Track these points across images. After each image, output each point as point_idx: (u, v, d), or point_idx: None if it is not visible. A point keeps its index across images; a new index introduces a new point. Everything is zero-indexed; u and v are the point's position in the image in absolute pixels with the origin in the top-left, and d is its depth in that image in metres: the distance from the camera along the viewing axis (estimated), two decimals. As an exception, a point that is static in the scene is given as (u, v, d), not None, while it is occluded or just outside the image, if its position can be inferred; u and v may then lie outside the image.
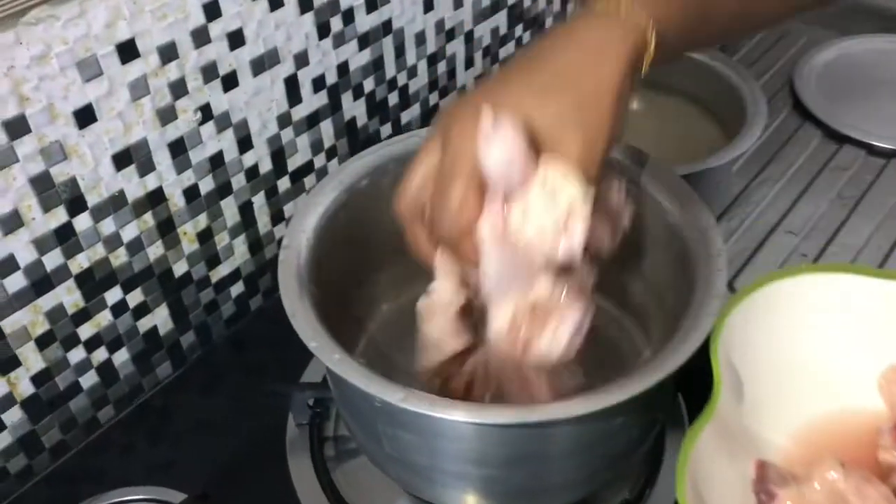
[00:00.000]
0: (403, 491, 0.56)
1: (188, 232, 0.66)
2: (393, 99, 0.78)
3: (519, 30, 0.89)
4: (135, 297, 0.64)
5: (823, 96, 0.94)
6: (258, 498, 0.58)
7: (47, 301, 0.58)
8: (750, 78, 0.81)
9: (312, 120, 0.71)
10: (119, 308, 0.64)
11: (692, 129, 0.84)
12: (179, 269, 0.67)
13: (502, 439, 0.44)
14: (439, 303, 0.49)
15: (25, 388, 0.60)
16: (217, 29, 0.60)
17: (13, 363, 0.58)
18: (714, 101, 0.84)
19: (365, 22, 0.71)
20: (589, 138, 0.41)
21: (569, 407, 0.41)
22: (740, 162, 0.87)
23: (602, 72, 0.42)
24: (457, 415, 0.41)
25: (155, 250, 0.64)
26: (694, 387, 0.54)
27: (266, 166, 0.69)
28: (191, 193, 0.64)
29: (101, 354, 0.64)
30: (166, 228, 0.64)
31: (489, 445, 0.45)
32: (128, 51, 0.55)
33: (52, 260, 0.57)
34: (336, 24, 0.68)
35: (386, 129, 0.79)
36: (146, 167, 0.60)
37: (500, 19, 0.86)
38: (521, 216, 0.41)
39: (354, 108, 0.74)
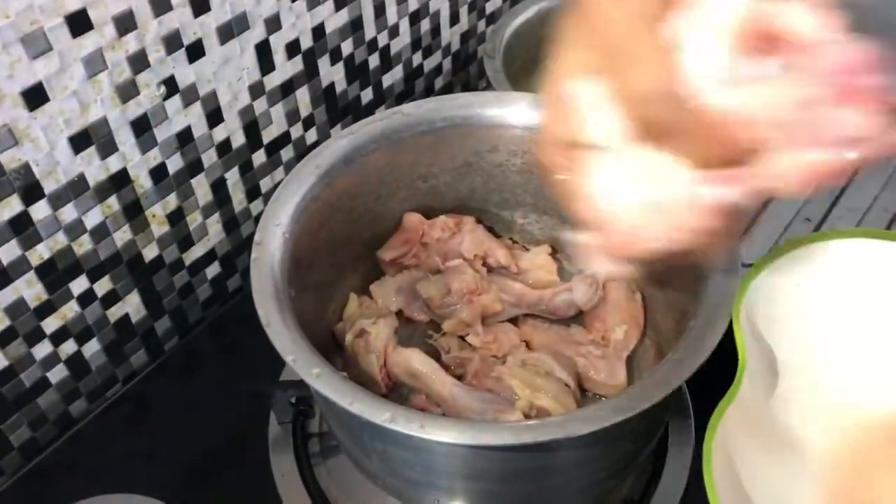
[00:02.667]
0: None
1: (157, 214, 0.61)
2: (374, 61, 0.73)
3: (506, -19, 0.84)
4: (103, 286, 0.60)
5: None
6: (239, 499, 0.55)
7: (5, 296, 0.54)
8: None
9: (287, 88, 0.66)
10: (86, 298, 0.59)
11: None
12: (150, 253, 0.62)
13: (498, 458, 0.41)
14: (374, 344, 0.49)
15: (-12, 388, 0.56)
16: (178, -6, 0.54)
17: (-28, 363, 0.54)
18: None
19: (341, -21, 0.65)
20: None
21: (570, 426, 0.38)
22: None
23: None
24: (448, 436, 0.37)
25: (122, 235, 0.60)
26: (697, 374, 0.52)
27: (239, 140, 0.64)
28: (158, 173, 0.60)
29: (69, 347, 0.60)
30: (133, 212, 0.59)
31: (485, 463, 0.41)
32: (79, 22, 0.50)
33: (8, 252, 0.53)
34: (310, -17, 0.63)
35: (367, 93, 0.74)
36: (107, 148, 0.55)
37: (487, -30, 0.80)
38: None
39: (332, 74, 0.69)
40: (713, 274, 0.43)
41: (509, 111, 0.52)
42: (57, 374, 0.60)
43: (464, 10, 0.80)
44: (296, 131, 0.69)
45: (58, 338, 0.59)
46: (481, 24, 0.84)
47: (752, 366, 0.45)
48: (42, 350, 0.58)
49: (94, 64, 0.52)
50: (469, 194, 0.57)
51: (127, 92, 0.55)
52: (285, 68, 0.65)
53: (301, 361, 0.40)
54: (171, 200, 0.62)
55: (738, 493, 0.42)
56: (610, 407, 0.38)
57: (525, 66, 0.80)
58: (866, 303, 0.49)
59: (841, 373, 0.49)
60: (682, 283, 0.47)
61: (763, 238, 0.73)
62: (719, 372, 0.57)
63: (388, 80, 0.76)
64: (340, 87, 0.71)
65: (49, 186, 0.53)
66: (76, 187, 0.55)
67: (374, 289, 0.56)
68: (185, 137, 0.60)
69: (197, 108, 0.60)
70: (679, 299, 0.48)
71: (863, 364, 0.49)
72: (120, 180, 0.57)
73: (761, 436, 0.46)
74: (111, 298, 0.61)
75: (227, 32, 0.59)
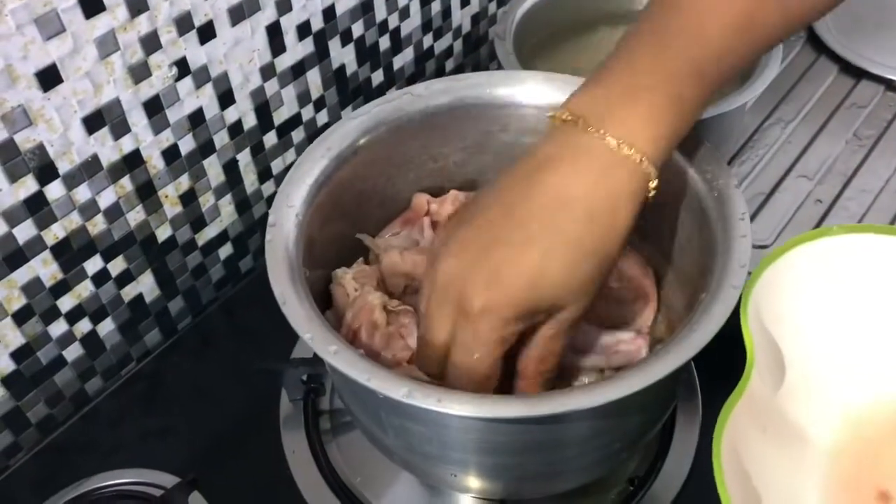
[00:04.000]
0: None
1: (170, 195, 0.62)
2: (384, 43, 0.73)
3: (517, -38, 0.83)
4: (117, 266, 0.61)
5: (840, 28, 0.89)
6: (251, 476, 0.56)
7: (22, 275, 0.55)
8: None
9: (298, 70, 0.66)
10: (100, 277, 0.60)
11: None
12: (163, 233, 0.63)
13: (514, 431, 0.41)
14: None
15: (5, 365, 0.57)
16: (190, -25, 0.55)
17: (-10, 341, 0.55)
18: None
19: (352, -40, 0.65)
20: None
21: (583, 398, 0.38)
22: (752, 100, 0.82)
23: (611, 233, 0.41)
24: (466, 410, 0.38)
25: (135, 216, 0.60)
26: (705, 354, 0.52)
27: (250, 122, 0.65)
28: (170, 154, 0.60)
29: (84, 326, 0.61)
30: (146, 192, 0.60)
31: (500, 436, 0.42)
32: (92, 4, 0.50)
33: (24, 232, 0.54)
34: (320, -36, 0.63)
35: (377, 75, 0.74)
36: (120, 129, 0.56)
37: (498, -49, 0.80)
38: None
39: (343, 55, 0.70)
40: (724, 249, 0.44)
41: (519, 90, 0.52)
42: (73, 352, 0.61)
43: (475, -9, 0.80)
44: (307, 113, 0.69)
45: (73, 317, 0.60)
46: (492, 6, 0.84)
47: (759, 359, 0.45)
48: (58, 329, 0.59)
49: (107, 45, 0.52)
50: (479, 174, 0.57)
51: (139, 73, 0.55)
52: (296, 50, 0.65)
53: (318, 339, 0.41)
54: (184, 181, 0.62)
55: (745, 485, 0.42)
56: (624, 378, 0.38)
57: (536, 47, 0.79)
58: (872, 296, 0.50)
59: (847, 365, 0.49)
60: (693, 259, 0.47)
61: (775, 219, 0.73)
62: (726, 357, 0.57)
63: (398, 61, 0.76)
64: (351, 68, 0.71)
65: (63, 167, 0.54)
66: (90, 168, 0.55)
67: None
68: (196, 119, 0.61)
69: (208, 89, 0.60)
70: (691, 275, 0.48)
71: (869, 356, 0.49)
72: (133, 161, 0.58)
73: (769, 429, 0.46)
74: (125, 278, 0.62)
75: (238, 14, 0.59)
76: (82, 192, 0.56)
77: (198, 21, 0.57)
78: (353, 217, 0.53)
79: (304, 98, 0.68)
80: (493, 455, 0.44)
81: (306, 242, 0.46)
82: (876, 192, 0.75)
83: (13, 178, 0.51)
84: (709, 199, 0.46)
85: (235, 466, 0.57)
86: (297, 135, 0.69)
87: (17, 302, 0.55)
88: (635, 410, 0.43)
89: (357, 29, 0.69)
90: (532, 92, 0.52)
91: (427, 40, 0.78)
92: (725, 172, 0.46)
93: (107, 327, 0.63)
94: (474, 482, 0.46)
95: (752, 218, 0.74)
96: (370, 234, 0.55)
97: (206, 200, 0.65)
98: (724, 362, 0.58)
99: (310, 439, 0.55)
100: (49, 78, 0.50)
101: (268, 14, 0.61)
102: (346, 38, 0.69)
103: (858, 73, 0.85)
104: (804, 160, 0.78)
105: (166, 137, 0.59)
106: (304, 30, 0.65)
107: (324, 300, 0.52)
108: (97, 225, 0.58)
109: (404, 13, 0.73)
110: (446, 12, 0.78)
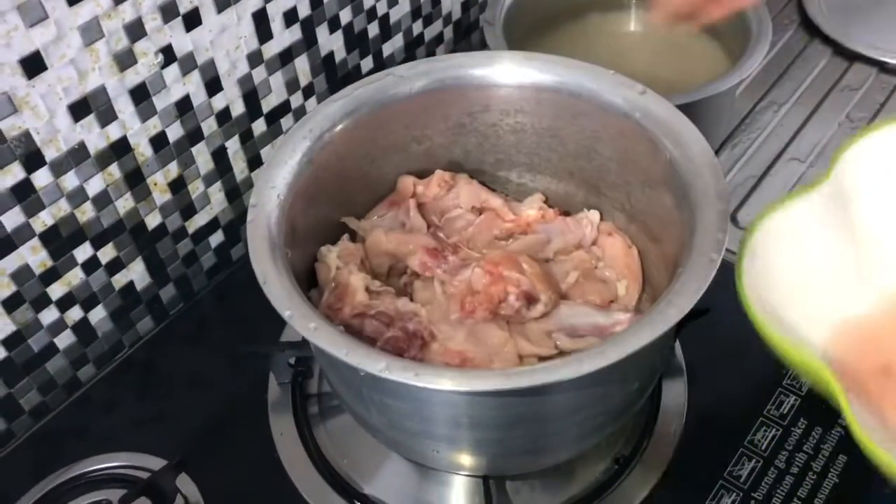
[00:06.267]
0: (388, 449, 0.54)
1: (159, 182, 0.62)
2: (373, 30, 0.73)
3: (507, -52, 0.83)
4: (106, 253, 0.61)
5: (832, 11, 0.89)
6: (239, 459, 0.56)
7: (10, 262, 0.55)
8: (754, -6, 0.75)
9: (286, 57, 0.66)
10: (91, 265, 0.61)
11: (693, 52, 0.79)
12: (152, 221, 0.63)
13: (494, 404, 0.41)
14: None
15: (-3, 353, 0.57)
16: (173, -38, 0.55)
17: (-20, 328, 0.56)
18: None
19: (338, -53, 0.65)
20: None
21: (562, 370, 0.38)
22: (745, 83, 0.82)
23: None
24: (442, 383, 0.38)
25: (124, 203, 0.61)
26: (691, 331, 0.52)
27: (238, 109, 0.65)
28: (158, 142, 0.61)
29: (75, 313, 0.61)
30: (135, 180, 0.60)
31: (481, 410, 0.42)
32: (75, -9, 0.50)
33: (12, 219, 0.54)
34: (306, -50, 0.63)
35: (367, 62, 0.74)
36: (107, 116, 0.56)
37: (487, -62, 0.80)
38: None
39: (331, 42, 0.70)
40: (702, 223, 0.44)
41: (497, 70, 0.52)
42: (64, 339, 0.61)
43: (464, -21, 0.80)
44: (296, 100, 0.69)
45: (64, 304, 0.60)
46: (481, -7, 0.84)
47: None
48: (49, 316, 0.59)
49: (91, 32, 0.53)
50: (464, 156, 0.57)
51: (124, 60, 0.55)
52: (283, 37, 0.65)
53: (298, 316, 0.41)
54: (173, 169, 0.63)
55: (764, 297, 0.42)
56: (602, 351, 0.38)
57: (526, 34, 0.79)
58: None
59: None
60: (674, 236, 0.48)
61: (766, 202, 0.73)
62: (712, 339, 0.57)
63: (388, 48, 0.76)
64: (340, 55, 0.71)
65: (50, 154, 0.54)
66: (77, 155, 0.56)
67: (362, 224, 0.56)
68: (184, 106, 0.61)
69: (195, 76, 0.60)
70: (672, 252, 0.48)
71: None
72: (120, 148, 0.58)
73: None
74: (116, 266, 0.62)
75: (224, 1, 0.59)
76: (70, 180, 0.56)
77: (183, 8, 0.57)
78: (338, 199, 0.54)
79: (292, 85, 0.68)
80: (474, 430, 0.44)
81: (288, 223, 0.47)
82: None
83: None
84: (688, 175, 0.46)
85: (224, 450, 0.57)
86: (287, 122, 0.70)
87: (7, 289, 0.56)
88: (616, 383, 0.44)
89: (345, 16, 0.69)
90: (510, 71, 0.52)
91: (417, 27, 0.78)
92: (705, 149, 0.46)
93: (98, 315, 0.63)
94: (457, 458, 0.46)
95: (744, 200, 0.74)
96: (356, 217, 0.56)
97: (196, 188, 0.65)
98: (709, 345, 0.58)
99: (297, 422, 0.55)
100: (33, 65, 0.51)
101: (254, 1, 0.61)
102: (334, 24, 0.69)
103: (851, 56, 0.85)
104: (796, 143, 0.78)
105: (154, 125, 0.60)
106: (291, 16, 0.65)
107: (310, 280, 0.52)
108: (86, 212, 0.58)
109: (392, 0, 0.73)
110: (435, -1, 0.78)
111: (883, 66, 0.83)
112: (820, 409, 0.55)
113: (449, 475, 0.53)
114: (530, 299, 0.49)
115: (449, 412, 0.43)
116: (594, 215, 0.55)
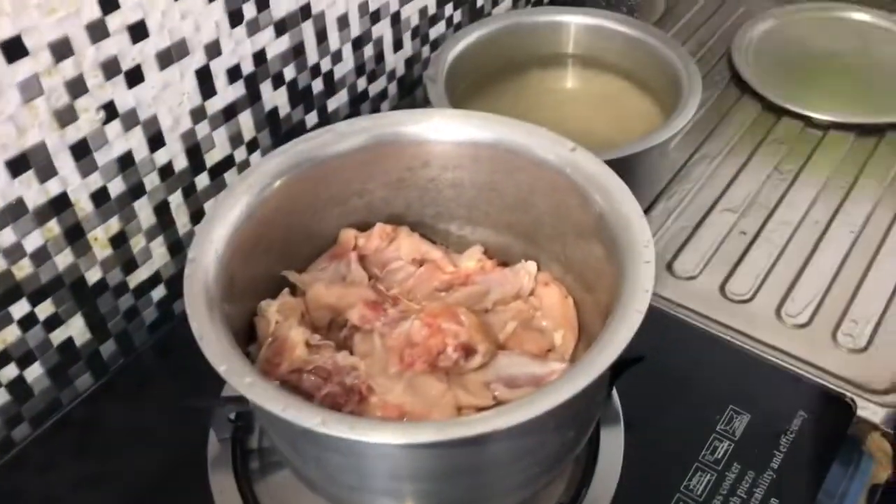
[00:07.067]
0: (331, 504, 0.53)
1: (99, 237, 0.62)
2: (317, 86, 0.75)
3: (449, 9, 0.86)
4: (45, 309, 0.61)
5: (761, 68, 0.93)
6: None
7: (-57, 320, 0.55)
8: (685, 53, 0.79)
9: (229, 112, 0.67)
10: (27, 321, 0.60)
11: (627, 107, 0.82)
12: (93, 276, 0.63)
13: (430, 456, 0.42)
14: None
15: (-73, 413, 0.56)
16: (116, 22, 0.56)
17: None
18: (649, 76, 0.82)
19: (281, 7, 0.67)
20: None
21: (493, 420, 0.39)
22: (679, 137, 0.85)
23: None
24: (377, 436, 0.38)
25: (64, 258, 0.60)
26: (628, 378, 0.53)
27: (181, 163, 0.65)
28: (99, 197, 0.61)
29: (10, 371, 0.60)
30: (75, 235, 0.60)
31: (417, 462, 0.42)
32: (14, 49, 0.51)
33: (-54, 276, 0.53)
34: (249, 10, 0.65)
35: (311, 117, 0.76)
36: (46, 172, 0.56)
37: (429, -1, 0.82)
38: None
39: (276, 98, 0.71)
40: (631, 275, 0.45)
41: (436, 127, 0.53)
42: (-2, 398, 0.60)
43: (407, 37, 0.82)
44: (240, 154, 0.70)
45: (-2, 362, 0.59)
46: (426, 50, 0.86)
47: None
48: (-18, 375, 0.58)
49: (30, 89, 0.53)
50: (405, 209, 0.58)
51: (65, 117, 0.56)
52: (227, 93, 0.66)
53: (233, 371, 0.41)
54: (114, 224, 0.63)
55: None
56: (533, 401, 0.39)
57: (468, 89, 0.82)
58: None
59: None
60: (606, 286, 0.49)
61: (700, 251, 0.75)
62: (649, 386, 0.59)
63: (333, 104, 0.77)
64: (284, 111, 0.72)
65: (-14, 210, 0.54)
66: (15, 210, 0.55)
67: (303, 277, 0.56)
68: (126, 161, 0.61)
69: (138, 132, 0.61)
70: (605, 301, 0.49)
71: None
72: (60, 204, 0.58)
73: None
74: (54, 322, 0.62)
75: (167, 59, 0.60)
76: (6, 236, 0.56)
77: (125, 65, 0.58)
78: (280, 252, 0.54)
79: (236, 140, 0.69)
80: (412, 482, 0.44)
81: (227, 278, 0.47)
82: (796, 223, 0.77)
83: (-66, 221, 0.51)
84: (617, 228, 0.48)
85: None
86: (231, 176, 0.70)
87: (-60, 347, 0.55)
88: (551, 431, 0.44)
89: (289, 72, 0.71)
90: (447, 129, 0.53)
91: (361, 83, 0.79)
92: (631, 202, 0.48)
93: (35, 372, 0.62)
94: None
95: (679, 250, 0.76)
96: (298, 270, 0.56)
97: (138, 242, 0.65)
98: (646, 392, 0.59)
99: (237, 479, 0.55)
100: (-29, 122, 0.51)
101: (197, 58, 0.62)
102: (278, 81, 0.70)
103: (779, 111, 0.89)
104: (729, 194, 0.81)
105: (95, 180, 0.60)
106: (234, 73, 0.66)
107: (250, 334, 0.52)
108: (23, 268, 0.58)
109: (336, 57, 0.75)
110: (379, 56, 0.80)
111: (809, 121, 0.87)
112: (753, 454, 0.57)
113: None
114: (468, 351, 0.49)
115: (386, 465, 0.43)
116: (531, 266, 0.56)
